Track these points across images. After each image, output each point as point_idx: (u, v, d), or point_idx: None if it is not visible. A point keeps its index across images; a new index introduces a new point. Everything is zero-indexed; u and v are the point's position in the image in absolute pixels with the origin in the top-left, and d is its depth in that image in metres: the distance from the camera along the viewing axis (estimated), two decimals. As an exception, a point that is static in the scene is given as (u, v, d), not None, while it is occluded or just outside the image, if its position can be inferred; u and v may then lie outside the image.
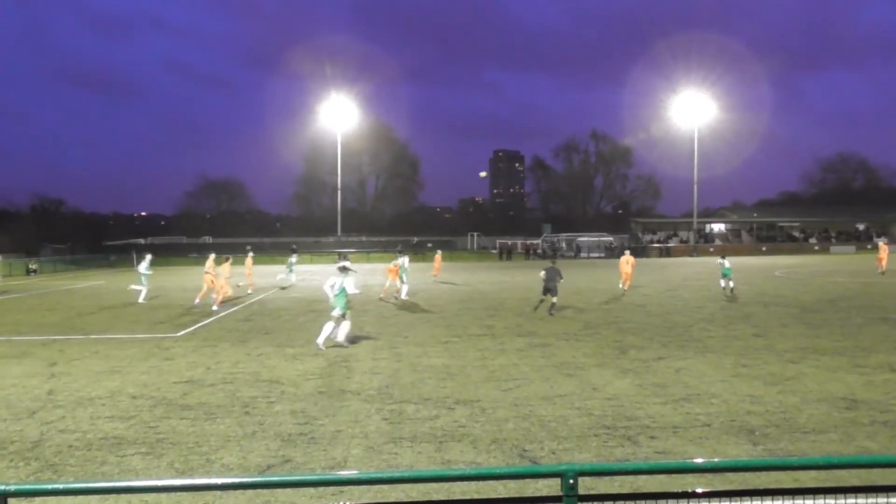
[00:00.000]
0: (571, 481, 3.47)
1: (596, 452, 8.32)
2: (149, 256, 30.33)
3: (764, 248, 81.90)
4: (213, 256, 27.99)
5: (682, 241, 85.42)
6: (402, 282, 29.17)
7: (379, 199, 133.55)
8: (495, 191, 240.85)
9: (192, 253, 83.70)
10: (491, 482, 6.78)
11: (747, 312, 22.33)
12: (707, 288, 32.12)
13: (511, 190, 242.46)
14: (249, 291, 32.26)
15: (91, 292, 35.98)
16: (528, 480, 6.98)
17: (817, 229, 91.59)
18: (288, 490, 6.93)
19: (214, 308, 25.23)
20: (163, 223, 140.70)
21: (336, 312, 16.31)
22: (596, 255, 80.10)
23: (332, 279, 16.51)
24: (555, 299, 22.53)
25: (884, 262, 40.24)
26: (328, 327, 16.37)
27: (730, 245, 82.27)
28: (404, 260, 30.06)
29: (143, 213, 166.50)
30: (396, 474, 3.64)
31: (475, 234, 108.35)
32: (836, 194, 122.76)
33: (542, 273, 22.93)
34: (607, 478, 7.02)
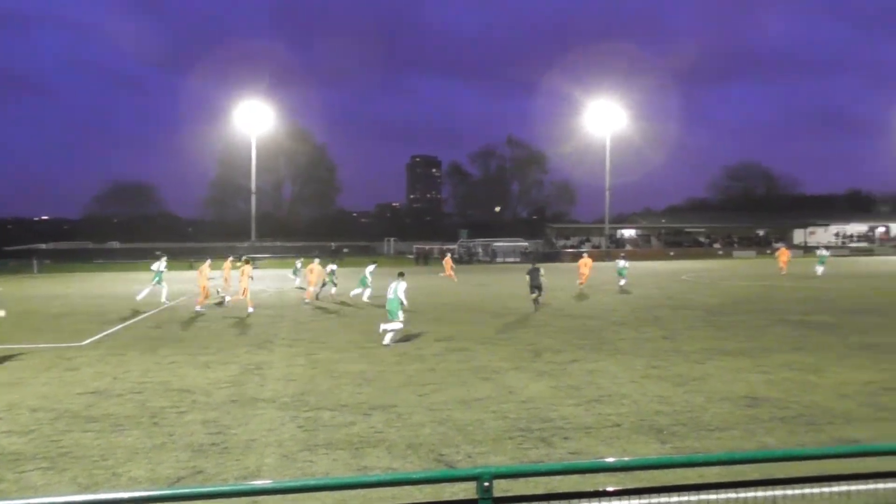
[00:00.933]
0: (487, 484, 3.50)
1: (511, 455, 8.43)
2: (164, 258, 30.50)
3: (672, 253, 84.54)
4: (208, 261, 28.47)
5: (594, 247, 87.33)
6: (335, 284, 30.75)
7: (295, 203, 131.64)
8: (412, 196, 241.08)
9: (97, 259, 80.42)
10: (407, 487, 6.75)
11: (657, 315, 23.03)
12: (618, 292, 32.97)
13: (428, 195, 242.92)
14: (218, 294, 31.17)
15: (-12, 300, 34.17)
16: (444, 485, 7.00)
17: (721, 235, 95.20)
18: (199, 502, 6.75)
19: (250, 310, 24.54)
20: (66, 228, 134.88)
21: (400, 316, 17.47)
22: (512, 259, 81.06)
23: (392, 283, 17.78)
24: (539, 295, 25.30)
25: (783, 265, 44.60)
26: (395, 327, 17.41)
27: (640, 250, 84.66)
28: (371, 267, 31.11)
29: (46, 217, 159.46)
30: (311, 482, 3.60)
31: (392, 239, 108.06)
32: (740, 201, 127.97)
33: (528, 274, 25.86)
34: (522, 479, 7.11)
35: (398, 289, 17.53)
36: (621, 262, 35.60)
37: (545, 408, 10.67)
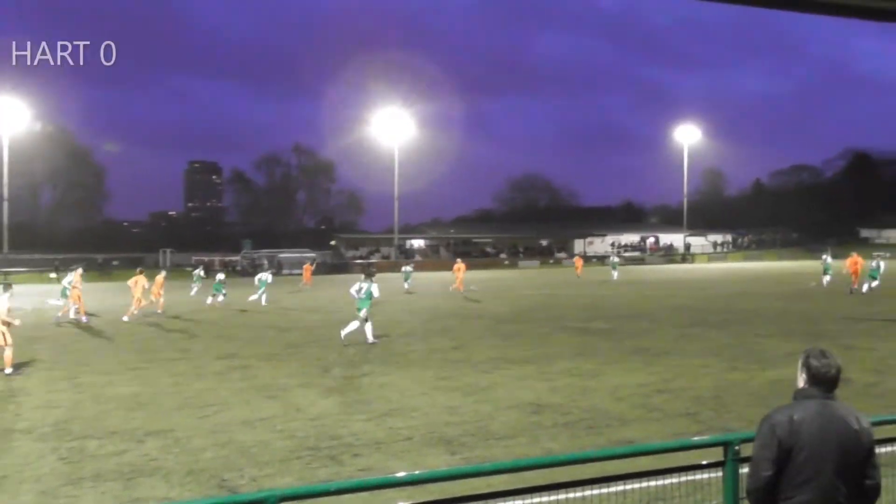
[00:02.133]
0: (273, 510, 3.28)
1: (299, 475, 8.12)
2: (79, 269, 27.81)
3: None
4: (79, 271, 27.38)
5: (384, 257, 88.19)
6: (224, 294, 31.75)
7: (55, 211, 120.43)
8: (191, 204, 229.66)
9: None
10: (185, 520, 6.27)
11: (446, 326, 23.51)
12: (407, 302, 33.43)
13: (208, 203, 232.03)
14: (78, 315, 27.05)
15: None
16: (226, 514, 6.57)
17: (507, 245, 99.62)
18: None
19: (125, 318, 25.82)
20: None
21: (363, 314, 18.70)
22: (298, 271, 79.76)
23: (357, 284, 19.13)
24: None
25: (579, 271, 54.82)
26: (353, 325, 18.64)
27: (429, 260, 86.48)
28: (267, 276, 34.18)
29: None
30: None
31: (168, 250, 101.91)
32: (524, 212, 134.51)
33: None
34: (310, 500, 6.81)
35: (372, 288, 18.74)
36: (407, 268, 44.07)
37: (334, 424, 10.43)
